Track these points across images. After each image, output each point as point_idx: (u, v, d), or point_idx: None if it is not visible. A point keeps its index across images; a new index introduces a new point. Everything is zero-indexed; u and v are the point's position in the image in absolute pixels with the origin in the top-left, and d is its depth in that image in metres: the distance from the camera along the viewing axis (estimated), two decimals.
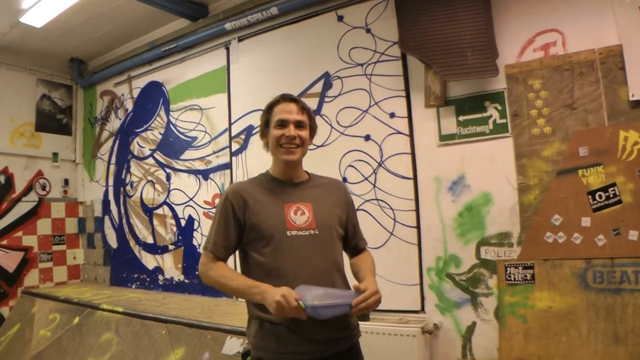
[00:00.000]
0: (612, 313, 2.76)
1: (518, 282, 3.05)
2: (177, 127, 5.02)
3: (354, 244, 2.25)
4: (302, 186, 2.15)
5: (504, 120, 3.16)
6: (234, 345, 3.15)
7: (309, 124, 2.14)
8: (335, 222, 2.13)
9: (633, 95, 2.75)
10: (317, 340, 1.93)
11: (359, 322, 2.17)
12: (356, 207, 2.63)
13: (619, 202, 2.78)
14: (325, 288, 1.90)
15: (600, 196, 2.83)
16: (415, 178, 3.46)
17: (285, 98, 2.13)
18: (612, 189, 2.80)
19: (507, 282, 3.08)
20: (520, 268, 3.05)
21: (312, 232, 2.04)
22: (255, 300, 1.89)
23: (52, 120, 5.94)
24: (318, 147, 3.79)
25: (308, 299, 1.79)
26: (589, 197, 2.87)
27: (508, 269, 3.09)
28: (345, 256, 2.22)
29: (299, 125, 2.08)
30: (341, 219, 2.17)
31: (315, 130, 2.21)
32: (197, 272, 4.48)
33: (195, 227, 4.79)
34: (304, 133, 2.10)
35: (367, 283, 1.92)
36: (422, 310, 3.39)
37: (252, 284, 1.91)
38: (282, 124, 2.06)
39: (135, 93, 5.55)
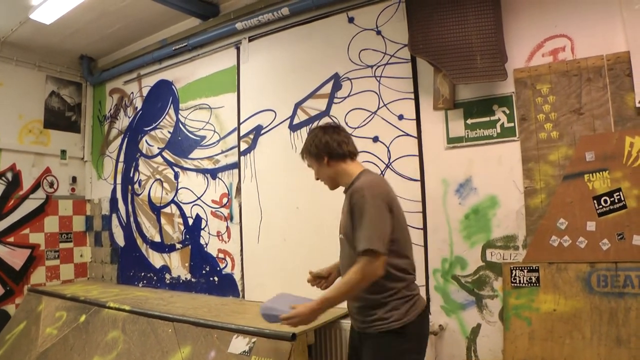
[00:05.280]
0: (616, 316, 2.78)
1: (523, 284, 3.07)
2: (186, 126, 5.04)
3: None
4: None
5: (511, 124, 3.18)
6: (240, 344, 3.16)
7: (312, 161, 2.54)
8: (346, 229, 2.35)
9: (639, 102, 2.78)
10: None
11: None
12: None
13: (624, 207, 2.81)
14: (296, 296, 2.48)
15: (605, 201, 2.86)
16: (422, 180, 3.49)
17: None
18: (617, 194, 2.83)
19: (513, 284, 3.10)
20: (525, 271, 3.08)
21: (340, 236, 2.46)
22: None
23: (61, 118, 5.96)
24: None
25: (267, 304, 2.45)
26: (595, 201, 2.89)
27: (513, 271, 3.11)
28: None
29: (311, 168, 2.58)
30: (348, 226, 2.32)
31: (318, 150, 2.48)
32: (230, 272, 4.54)
33: (202, 226, 4.81)
34: (315, 172, 2.56)
35: (303, 305, 2.33)
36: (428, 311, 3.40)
37: None
38: None
39: (145, 91, 5.58)
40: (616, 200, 2.83)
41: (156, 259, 5.29)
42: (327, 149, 2.46)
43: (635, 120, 2.81)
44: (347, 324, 3.41)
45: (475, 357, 3.25)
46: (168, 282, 5.14)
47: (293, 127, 4.14)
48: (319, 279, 2.70)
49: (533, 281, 3.05)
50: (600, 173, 2.89)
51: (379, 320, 2.30)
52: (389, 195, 2.36)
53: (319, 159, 2.49)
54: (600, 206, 2.87)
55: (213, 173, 4.75)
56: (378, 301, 2.31)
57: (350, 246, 2.34)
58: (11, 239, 5.35)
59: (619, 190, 2.83)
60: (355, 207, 2.28)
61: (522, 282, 3.08)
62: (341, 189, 2.53)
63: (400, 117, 3.60)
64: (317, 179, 2.58)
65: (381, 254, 2.19)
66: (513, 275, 3.11)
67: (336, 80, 3.92)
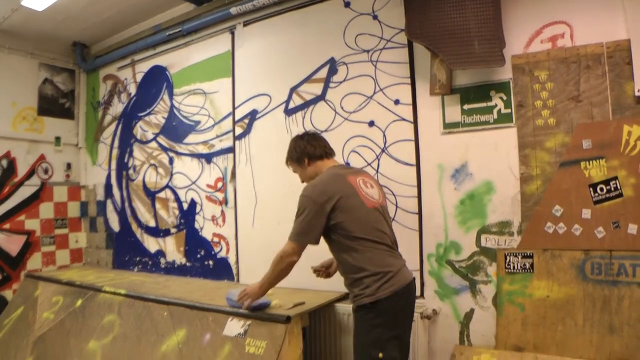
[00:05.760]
0: (609, 304, 2.80)
1: (517, 270, 3.08)
2: (181, 111, 5.02)
3: None
4: None
5: (508, 110, 3.17)
6: (235, 327, 3.19)
7: (295, 166, 3.02)
8: None
9: (639, 91, 2.76)
10: None
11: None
12: None
13: (620, 195, 2.80)
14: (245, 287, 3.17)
15: (601, 189, 2.86)
16: (418, 165, 3.47)
17: None
18: (613, 182, 2.82)
19: (507, 270, 3.12)
20: (519, 257, 3.09)
21: None
22: None
23: (54, 105, 5.93)
24: (322, 132, 3.79)
25: (228, 295, 3.31)
26: (591, 189, 2.89)
27: (508, 257, 3.12)
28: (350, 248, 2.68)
29: (296, 173, 3.06)
30: None
31: (299, 155, 2.95)
32: (225, 256, 4.58)
33: (197, 211, 4.81)
34: (299, 176, 3.03)
35: (251, 284, 3.11)
36: (422, 295, 3.41)
37: None
38: None
39: (139, 77, 5.54)
40: (612, 189, 2.83)
41: (151, 244, 5.29)
42: (306, 152, 2.93)
43: (634, 109, 2.80)
44: (340, 307, 3.45)
45: (468, 342, 3.27)
46: (163, 266, 5.14)
47: (288, 112, 4.13)
48: (320, 270, 3.12)
49: (527, 267, 3.06)
50: (597, 161, 2.88)
51: (356, 296, 2.63)
52: (327, 191, 2.67)
53: (301, 162, 2.96)
54: (596, 194, 2.87)
55: (208, 158, 4.74)
56: (354, 279, 2.64)
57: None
58: (7, 226, 5.34)
59: (615, 178, 2.82)
60: (298, 203, 2.72)
61: (516, 268, 3.09)
62: None
63: (397, 102, 3.58)
64: (303, 181, 3.01)
65: (297, 244, 2.70)
66: (507, 261, 3.12)
67: (332, 65, 3.89)
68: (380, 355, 2.54)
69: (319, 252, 2.83)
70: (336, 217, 2.62)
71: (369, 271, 2.58)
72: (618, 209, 2.81)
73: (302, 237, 2.68)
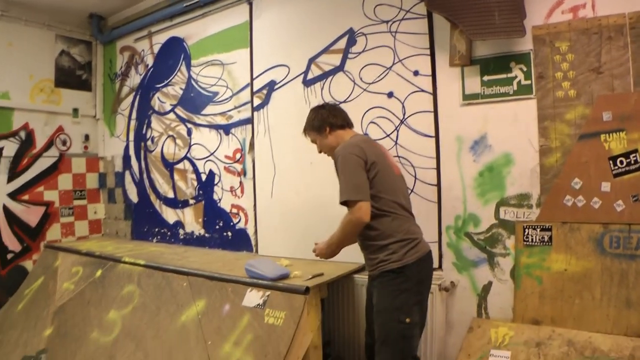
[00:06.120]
0: (626, 278, 2.78)
1: (535, 243, 3.08)
2: (199, 83, 5.01)
3: None
4: None
5: (528, 82, 3.13)
6: (254, 297, 3.21)
7: (315, 135, 2.98)
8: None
9: None
10: None
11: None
12: None
13: None
14: (273, 264, 3.45)
15: (621, 162, 2.82)
16: (437, 136, 3.45)
17: None
18: (633, 155, 2.78)
19: (525, 243, 3.11)
20: (538, 230, 3.07)
21: None
22: None
23: (71, 77, 5.94)
24: (340, 103, 3.77)
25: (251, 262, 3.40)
26: (610, 162, 2.85)
27: (526, 230, 3.11)
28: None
29: (314, 143, 3.04)
30: None
31: (320, 123, 2.94)
32: (243, 227, 4.59)
33: (216, 182, 4.84)
34: (318, 145, 3.01)
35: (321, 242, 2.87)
36: (440, 267, 3.43)
37: None
38: None
39: (156, 49, 5.53)
40: (632, 162, 2.79)
41: (170, 215, 5.34)
42: (328, 121, 2.93)
43: None
44: (359, 278, 3.49)
45: (485, 314, 3.29)
46: (182, 237, 5.20)
47: (307, 82, 4.11)
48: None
49: (545, 240, 3.05)
50: (617, 133, 2.84)
51: (381, 262, 2.67)
52: (365, 150, 2.68)
53: (321, 131, 2.94)
54: (616, 167, 2.84)
55: (226, 129, 4.74)
56: (379, 246, 2.68)
57: None
58: (26, 197, 5.41)
59: (635, 151, 2.78)
60: (336, 167, 2.72)
61: (534, 241, 3.09)
62: None
63: (416, 73, 3.54)
64: (320, 151, 3.04)
65: (358, 201, 2.56)
66: (526, 233, 3.11)
67: (351, 36, 3.85)
68: (408, 320, 2.60)
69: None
70: (371, 177, 2.65)
71: (396, 238, 2.65)
72: (638, 182, 2.77)
73: (360, 194, 2.58)
